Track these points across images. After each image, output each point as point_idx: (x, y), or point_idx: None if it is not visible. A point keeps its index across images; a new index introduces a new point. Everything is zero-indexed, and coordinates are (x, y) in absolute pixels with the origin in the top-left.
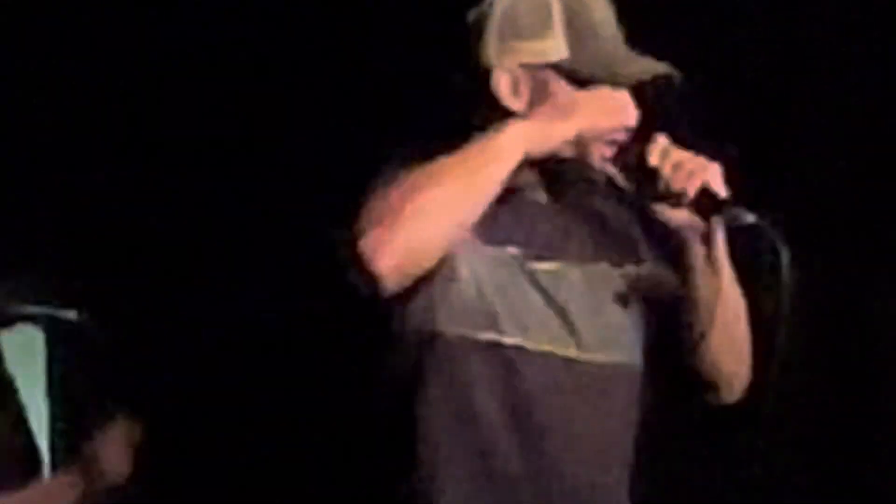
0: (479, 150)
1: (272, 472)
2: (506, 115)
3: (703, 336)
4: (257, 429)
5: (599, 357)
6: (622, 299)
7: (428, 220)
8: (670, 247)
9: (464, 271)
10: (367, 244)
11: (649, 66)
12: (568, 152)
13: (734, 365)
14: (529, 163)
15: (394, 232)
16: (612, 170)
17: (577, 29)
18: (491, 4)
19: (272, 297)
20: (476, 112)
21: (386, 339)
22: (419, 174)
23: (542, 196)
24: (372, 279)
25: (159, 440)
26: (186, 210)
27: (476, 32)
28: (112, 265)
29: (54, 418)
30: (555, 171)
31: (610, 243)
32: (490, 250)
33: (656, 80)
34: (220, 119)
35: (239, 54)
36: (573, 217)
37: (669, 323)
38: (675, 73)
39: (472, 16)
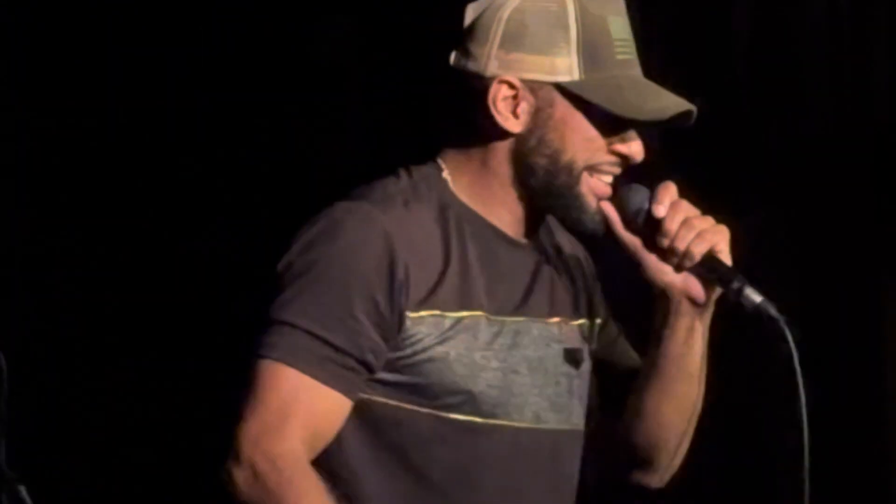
0: None
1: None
2: (499, 133)
3: (654, 411)
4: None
5: (548, 424)
6: (574, 357)
7: None
8: (642, 307)
9: (416, 348)
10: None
11: (671, 104)
12: (564, 180)
13: (676, 447)
14: (520, 195)
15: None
16: (609, 210)
17: (592, 49)
18: (494, 5)
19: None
20: (466, 125)
21: None
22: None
23: (523, 236)
24: None
25: None
26: None
27: (475, 34)
28: None
29: None
30: (547, 207)
31: (569, 296)
32: (450, 318)
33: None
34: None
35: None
36: (539, 265)
37: (612, 388)
38: (695, 110)
39: (472, 13)
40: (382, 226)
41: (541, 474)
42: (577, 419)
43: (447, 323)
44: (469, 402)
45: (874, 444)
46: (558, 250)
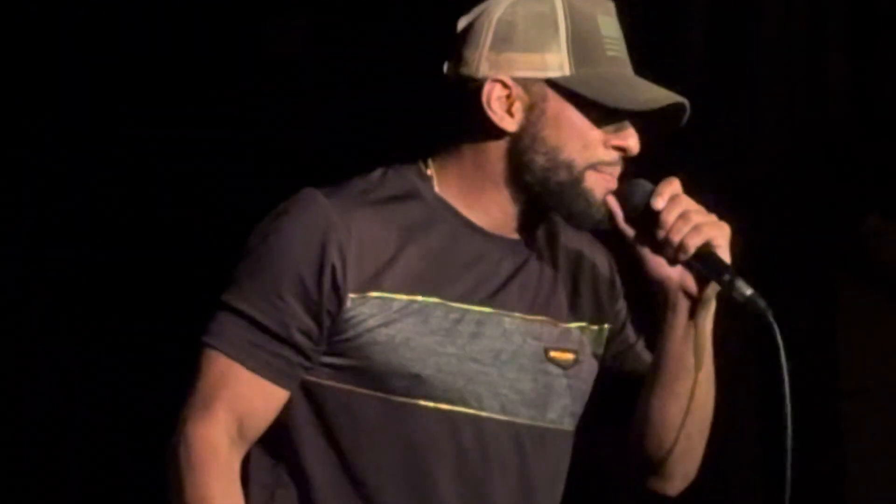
0: None
1: None
2: (493, 133)
3: (658, 411)
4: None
5: (518, 418)
6: (561, 356)
7: None
8: (646, 306)
9: (360, 329)
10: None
11: (662, 95)
12: (563, 177)
13: (687, 451)
14: (515, 194)
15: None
16: (613, 204)
17: (583, 45)
18: (484, 12)
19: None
20: (460, 128)
21: None
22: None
23: (512, 232)
24: None
25: None
26: None
27: (467, 40)
28: None
29: None
30: (549, 203)
31: (562, 298)
32: (401, 301)
33: (666, 113)
34: None
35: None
36: (527, 262)
37: (620, 394)
38: (688, 105)
39: (463, 22)
40: (324, 210)
41: (507, 468)
42: (555, 417)
43: (395, 306)
44: (417, 385)
45: (830, 444)
46: (561, 250)
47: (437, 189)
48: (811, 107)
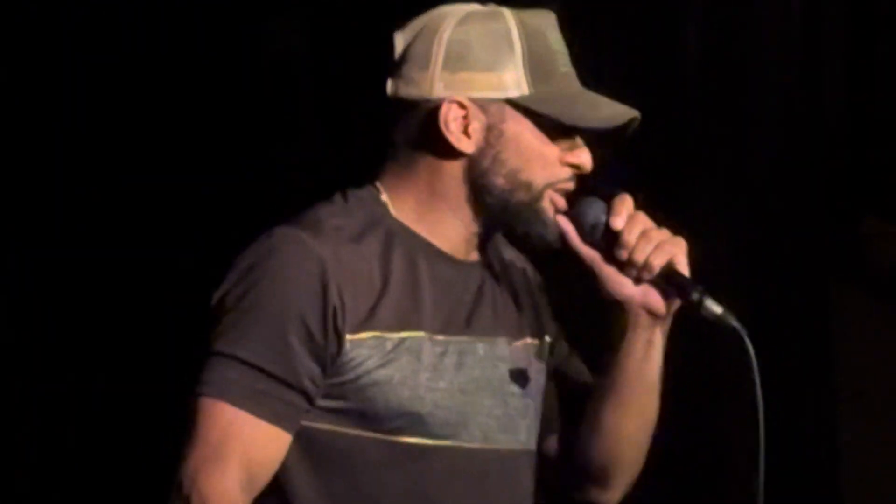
0: None
1: None
2: (450, 154)
3: (613, 426)
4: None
5: (499, 445)
6: (521, 377)
7: None
8: (594, 323)
9: (358, 371)
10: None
11: (620, 111)
12: (523, 198)
13: (637, 462)
14: (474, 215)
15: None
16: (565, 224)
17: (538, 63)
18: (427, 30)
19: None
20: (411, 149)
21: None
22: None
23: (471, 254)
24: None
25: None
26: None
27: (412, 58)
28: None
29: None
30: (506, 224)
31: (513, 316)
32: (391, 340)
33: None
34: None
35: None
36: (483, 283)
37: (560, 405)
38: (639, 117)
39: (401, 41)
40: (314, 251)
41: (493, 495)
42: (525, 439)
43: (389, 345)
44: (417, 423)
45: (826, 448)
46: (505, 268)
47: (394, 214)
48: (807, 109)
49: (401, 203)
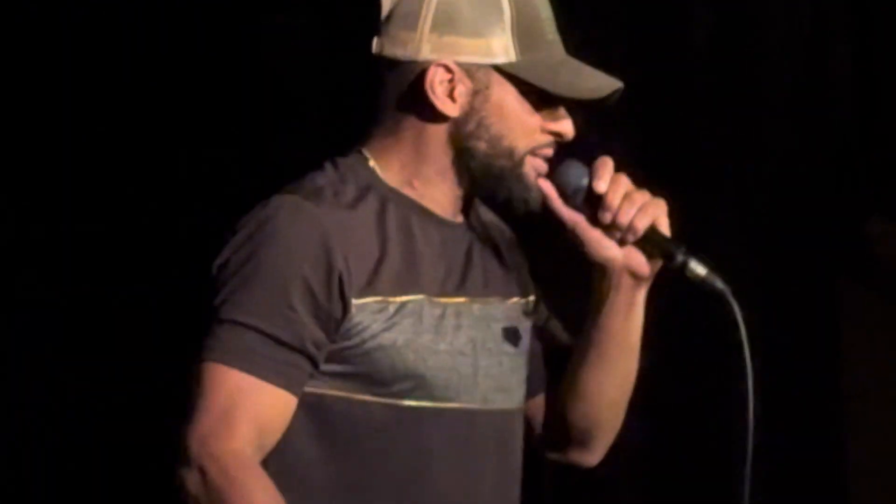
0: None
1: None
2: (434, 118)
3: (594, 388)
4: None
5: (494, 405)
6: (513, 335)
7: None
8: (574, 286)
9: (364, 335)
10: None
11: (606, 83)
12: (504, 163)
13: (615, 422)
14: (458, 179)
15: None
16: (547, 188)
17: (526, 30)
18: None
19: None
20: (396, 112)
21: None
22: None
23: (457, 216)
24: None
25: None
26: None
27: (399, 18)
28: None
29: None
30: (489, 189)
31: (502, 276)
32: (394, 303)
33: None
34: None
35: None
36: (472, 244)
37: (548, 367)
38: (622, 88)
39: (388, 1)
40: (317, 217)
41: (491, 454)
42: (518, 398)
43: (391, 308)
44: (421, 386)
45: (832, 443)
46: (486, 229)
47: (383, 178)
48: (814, 108)
49: (388, 167)
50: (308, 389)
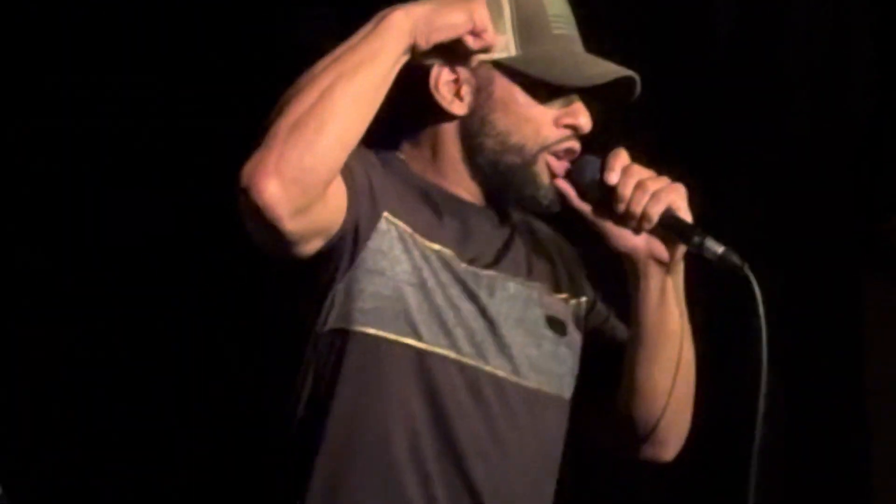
0: (359, 42)
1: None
2: (444, 117)
3: (646, 380)
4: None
5: (528, 382)
6: (558, 325)
7: (307, 130)
8: (620, 280)
9: (384, 263)
10: (247, 174)
11: (610, 70)
12: (514, 160)
13: (678, 413)
14: (473, 174)
15: (272, 150)
16: (564, 185)
17: (528, 25)
18: None
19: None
20: (414, 113)
21: (295, 336)
22: (293, 86)
23: (481, 204)
24: (264, 217)
25: None
26: None
27: None
28: None
29: None
30: (499, 185)
31: (548, 270)
32: (422, 243)
33: (616, 87)
34: None
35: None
36: (513, 234)
37: (604, 367)
38: (637, 79)
39: None
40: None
41: (516, 430)
42: (558, 386)
43: (423, 249)
44: (444, 334)
45: (855, 438)
46: (534, 232)
47: (412, 169)
48: (837, 101)
49: (414, 164)
50: (340, 326)
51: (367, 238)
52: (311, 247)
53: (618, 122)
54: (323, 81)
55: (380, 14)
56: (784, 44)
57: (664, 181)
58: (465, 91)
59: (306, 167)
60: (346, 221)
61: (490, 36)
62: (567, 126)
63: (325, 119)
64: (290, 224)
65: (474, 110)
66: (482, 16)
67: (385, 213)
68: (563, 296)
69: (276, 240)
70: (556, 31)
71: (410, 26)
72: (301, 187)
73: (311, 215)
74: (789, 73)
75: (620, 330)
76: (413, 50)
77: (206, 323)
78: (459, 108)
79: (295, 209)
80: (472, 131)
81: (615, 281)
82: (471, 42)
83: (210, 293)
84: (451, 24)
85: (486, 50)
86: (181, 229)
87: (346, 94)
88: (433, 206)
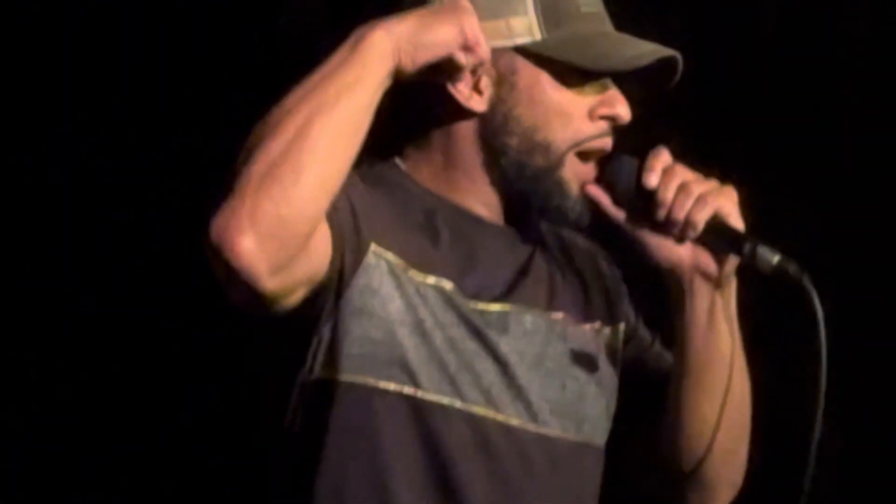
0: (336, 68)
1: None
2: (461, 115)
3: (692, 414)
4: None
5: (549, 429)
6: (586, 361)
7: (283, 176)
8: (661, 298)
9: (373, 302)
10: (218, 230)
11: (650, 50)
12: (540, 162)
13: (730, 452)
14: (492, 182)
15: (243, 201)
16: (595, 191)
17: (552, 4)
18: None
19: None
20: (423, 112)
21: (281, 381)
22: (263, 122)
23: (498, 220)
24: (239, 278)
25: None
26: None
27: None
28: None
29: None
30: (523, 194)
31: (577, 294)
32: (416, 277)
33: (651, 71)
34: None
35: None
36: (532, 255)
37: (645, 402)
38: (680, 59)
39: None
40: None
41: (543, 486)
42: (590, 431)
43: (417, 283)
44: (444, 380)
45: None
46: (565, 244)
47: (416, 180)
48: (890, 92)
49: (420, 173)
50: (326, 377)
51: (353, 274)
52: (294, 299)
53: (656, 116)
54: (297, 117)
55: (356, 34)
56: (834, 34)
57: (711, 184)
58: (485, 84)
59: (284, 219)
60: (331, 265)
61: (483, 50)
62: (604, 117)
63: (302, 162)
64: (270, 283)
65: (495, 105)
66: (473, 27)
67: (372, 245)
68: (595, 324)
69: (253, 300)
70: (584, 10)
71: (393, 47)
72: (279, 242)
73: (293, 269)
74: (847, 69)
75: (666, 358)
76: (397, 73)
77: (204, 336)
78: (479, 104)
79: (274, 267)
80: (494, 130)
81: (656, 301)
82: (462, 59)
83: (206, 304)
84: (439, 41)
85: (479, 65)
86: (179, 236)
87: (324, 132)
88: (433, 229)
